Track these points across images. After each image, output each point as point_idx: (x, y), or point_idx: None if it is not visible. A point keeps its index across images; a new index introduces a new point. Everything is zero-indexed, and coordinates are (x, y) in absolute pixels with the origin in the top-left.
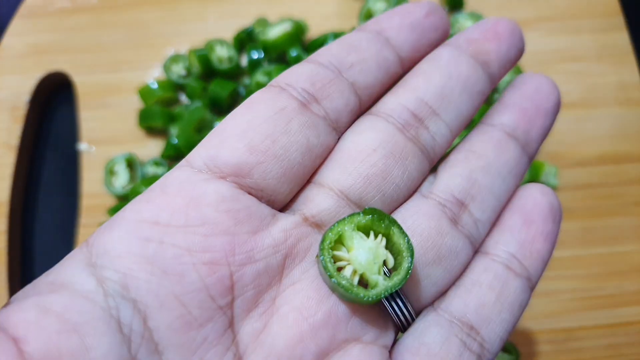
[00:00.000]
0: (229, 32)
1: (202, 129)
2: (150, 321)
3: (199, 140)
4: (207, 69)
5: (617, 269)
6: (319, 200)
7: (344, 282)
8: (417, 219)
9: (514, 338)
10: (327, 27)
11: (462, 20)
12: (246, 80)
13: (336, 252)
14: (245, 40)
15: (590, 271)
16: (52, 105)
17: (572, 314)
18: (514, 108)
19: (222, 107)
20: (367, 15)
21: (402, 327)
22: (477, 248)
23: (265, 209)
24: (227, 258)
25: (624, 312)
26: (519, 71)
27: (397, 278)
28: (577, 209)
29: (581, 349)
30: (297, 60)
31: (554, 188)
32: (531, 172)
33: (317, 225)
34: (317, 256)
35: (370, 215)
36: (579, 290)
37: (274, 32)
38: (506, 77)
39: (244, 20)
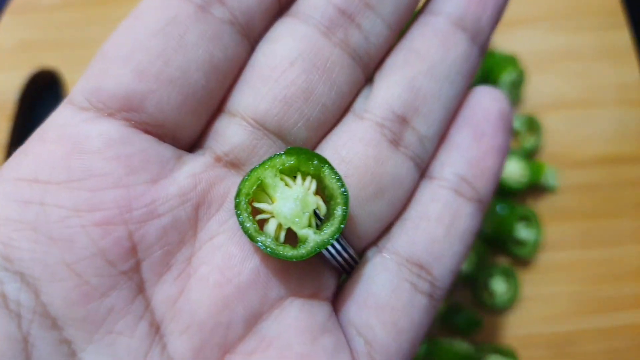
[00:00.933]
0: None
1: None
2: (42, 295)
3: None
4: None
5: (616, 271)
6: (230, 134)
7: (267, 243)
8: (352, 148)
9: (512, 342)
10: None
11: None
12: None
13: (257, 204)
14: None
15: (589, 274)
16: (42, 102)
17: (571, 317)
18: None
19: None
20: None
21: (345, 271)
22: (423, 169)
23: (167, 150)
24: (123, 215)
25: (623, 316)
26: (519, 70)
27: (330, 230)
28: (576, 210)
29: (580, 353)
30: None
31: (554, 189)
32: (532, 173)
33: (232, 164)
34: (235, 208)
35: (294, 156)
36: (578, 293)
37: None
38: (507, 78)
39: None
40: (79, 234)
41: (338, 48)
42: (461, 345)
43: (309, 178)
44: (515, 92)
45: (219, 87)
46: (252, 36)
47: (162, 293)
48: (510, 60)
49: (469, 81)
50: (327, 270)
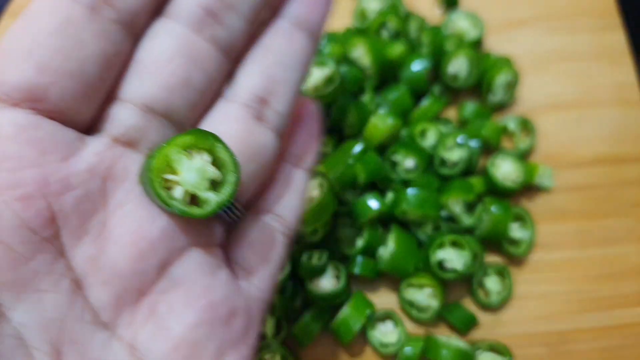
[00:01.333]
0: None
1: None
2: None
3: None
4: None
5: (613, 270)
6: (124, 118)
7: (180, 206)
8: (228, 125)
9: (508, 340)
10: None
11: (458, 19)
12: None
13: (165, 176)
14: None
15: (586, 273)
16: None
17: (567, 316)
18: None
19: None
20: (361, 14)
21: (234, 222)
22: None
23: (72, 134)
24: (41, 190)
25: (620, 314)
26: (514, 72)
27: (227, 192)
28: (573, 210)
29: (576, 351)
30: None
31: (549, 189)
32: (526, 174)
33: (128, 144)
34: (140, 180)
35: (193, 135)
36: (574, 292)
37: None
38: (502, 78)
39: None
40: (3, 209)
41: (208, 43)
42: (457, 342)
43: (205, 152)
44: (509, 93)
45: (110, 78)
46: (135, 33)
47: (81, 254)
48: (505, 62)
49: (308, 67)
50: (218, 223)
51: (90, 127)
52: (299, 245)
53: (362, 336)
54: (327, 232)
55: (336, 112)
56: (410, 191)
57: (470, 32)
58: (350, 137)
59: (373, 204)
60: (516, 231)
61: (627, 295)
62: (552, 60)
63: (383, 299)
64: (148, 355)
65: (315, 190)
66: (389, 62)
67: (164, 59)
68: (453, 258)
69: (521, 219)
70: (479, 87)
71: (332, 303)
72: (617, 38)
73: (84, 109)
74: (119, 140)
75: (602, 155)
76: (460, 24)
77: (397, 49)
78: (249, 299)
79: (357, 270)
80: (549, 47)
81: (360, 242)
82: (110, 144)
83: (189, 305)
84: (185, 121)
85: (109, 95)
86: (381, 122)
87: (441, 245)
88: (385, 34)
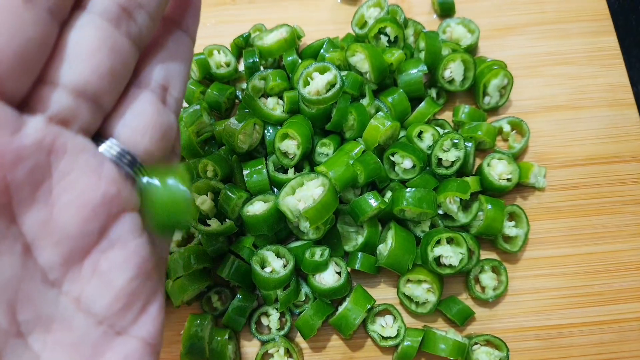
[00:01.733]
0: (226, 38)
1: (200, 132)
2: None
3: (198, 143)
4: (205, 73)
5: (605, 267)
6: (57, 99)
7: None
8: (142, 106)
9: (503, 334)
10: (321, 33)
11: (453, 25)
12: (243, 84)
13: None
14: (242, 45)
15: (579, 269)
16: None
17: (561, 311)
18: None
19: (220, 111)
20: (360, 22)
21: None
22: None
23: (13, 112)
24: None
25: (612, 309)
26: (509, 75)
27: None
28: (565, 208)
29: (570, 345)
30: (293, 65)
31: (542, 188)
32: (520, 173)
33: (62, 123)
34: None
35: None
36: (568, 287)
37: (270, 39)
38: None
39: (241, 26)
40: None
41: (124, 37)
42: (454, 336)
43: None
44: (503, 96)
45: (42, 62)
46: (61, 22)
47: (32, 220)
48: (499, 66)
49: (191, 61)
50: (136, 191)
51: (21, 107)
52: (302, 242)
53: (363, 329)
54: (329, 230)
55: (337, 115)
56: (409, 190)
57: (466, 38)
58: (350, 139)
59: (372, 202)
60: (511, 228)
61: (619, 290)
62: (544, 64)
63: (382, 293)
64: (93, 307)
65: (317, 189)
66: (387, 67)
67: (91, 49)
68: (450, 254)
69: (516, 216)
70: (474, 90)
71: (334, 297)
72: (609, 41)
73: (20, 90)
74: (53, 119)
75: (594, 155)
76: (456, 30)
77: (395, 55)
78: (159, 258)
79: (357, 266)
80: (541, 51)
81: (360, 239)
82: (47, 122)
83: (127, 262)
84: (108, 105)
85: (40, 79)
86: (380, 125)
87: (438, 242)
88: (383, 39)
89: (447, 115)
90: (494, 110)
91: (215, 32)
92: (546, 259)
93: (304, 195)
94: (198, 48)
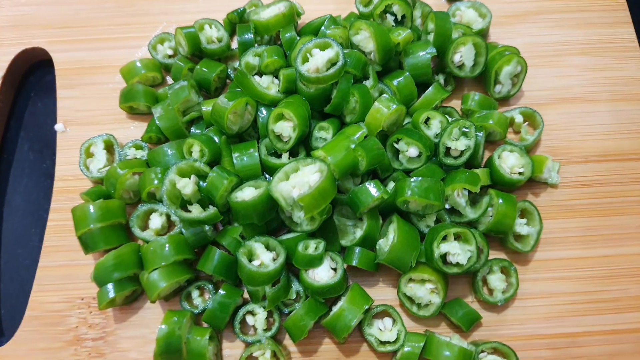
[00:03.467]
0: (220, 13)
1: (187, 111)
2: None
3: (184, 123)
4: (195, 48)
5: (622, 271)
6: None
7: None
8: None
9: (512, 342)
10: (322, 12)
11: (464, 9)
12: (236, 63)
13: None
14: (236, 21)
15: (593, 273)
16: (30, 82)
17: (574, 318)
18: None
19: (209, 90)
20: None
21: None
22: None
23: None
24: None
25: (630, 318)
26: (523, 62)
27: None
28: (579, 207)
29: (584, 356)
30: (291, 42)
31: (556, 185)
32: (533, 167)
33: None
34: None
35: None
36: (581, 293)
37: (267, 13)
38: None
39: (236, 1)
40: None
41: None
42: (459, 343)
43: None
44: (516, 84)
45: None
46: None
47: None
48: (512, 53)
49: None
50: None
51: None
52: (294, 234)
53: (358, 332)
54: (325, 222)
55: (338, 96)
56: (414, 179)
57: (477, 23)
58: (351, 123)
59: (374, 191)
60: (522, 226)
61: (636, 297)
62: (558, 54)
63: (381, 294)
64: None
65: (314, 175)
66: (393, 48)
67: None
68: (457, 251)
69: (527, 213)
70: (484, 78)
71: (328, 296)
72: (626, 33)
73: None
74: None
75: (610, 151)
76: (466, 13)
77: (402, 34)
78: None
79: (355, 262)
80: (554, 40)
81: (359, 233)
82: None
83: None
84: None
85: None
86: (385, 107)
87: (445, 238)
88: (390, 18)
89: (455, 105)
90: (504, 101)
91: (207, 7)
92: (558, 260)
93: (299, 182)
94: (189, 22)
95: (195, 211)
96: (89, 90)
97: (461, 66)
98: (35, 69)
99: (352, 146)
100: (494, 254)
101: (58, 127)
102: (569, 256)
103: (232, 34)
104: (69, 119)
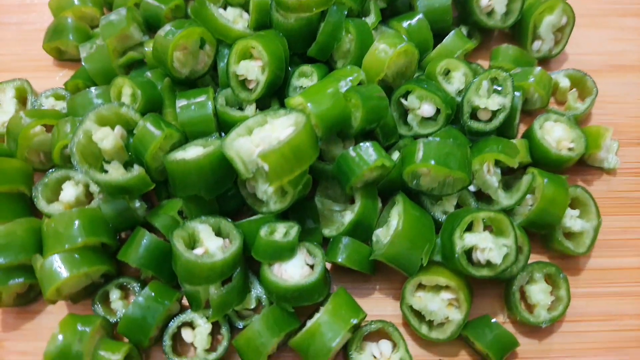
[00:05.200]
0: None
1: (126, 51)
2: None
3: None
4: None
5: None
6: None
7: None
8: None
9: None
10: None
11: None
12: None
13: None
14: None
15: None
16: None
17: None
18: None
19: (157, 26)
20: None
21: None
22: None
23: None
24: None
25: None
26: (570, 11)
27: None
28: None
29: None
30: None
31: (614, 170)
32: (586, 142)
33: None
34: None
35: None
36: None
37: None
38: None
39: None
40: None
41: None
42: None
43: None
44: (560, 42)
45: None
46: None
47: None
48: (555, 0)
49: None
50: None
51: None
52: (258, 217)
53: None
54: (302, 203)
55: (325, 31)
56: (429, 140)
57: None
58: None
59: (371, 154)
60: (574, 220)
61: None
62: (610, 14)
63: (378, 306)
64: None
65: (287, 129)
66: None
67: None
68: (489, 245)
69: (580, 203)
70: (520, 31)
71: (301, 303)
72: None
73: None
74: None
75: None
76: None
77: None
78: None
79: (341, 258)
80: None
81: (349, 218)
82: None
83: None
84: None
85: None
86: (389, 45)
87: (471, 228)
88: None
89: (483, 64)
90: (545, 63)
91: None
92: (621, 271)
93: (266, 137)
94: None
95: (115, 172)
96: (9, 30)
97: (490, 13)
98: None
99: (343, 90)
100: (534, 258)
101: None
102: (634, 264)
103: None
104: None
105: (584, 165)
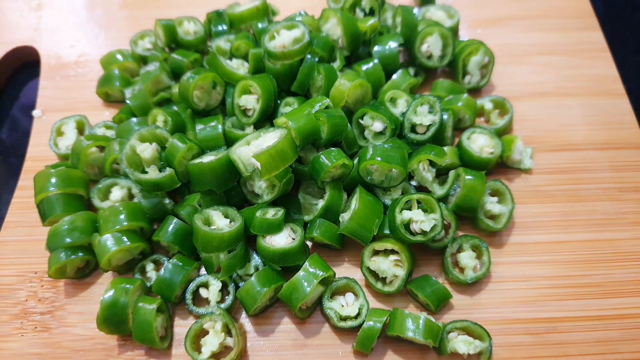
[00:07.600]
0: (201, 16)
1: (158, 92)
2: None
3: (154, 103)
4: (171, 40)
5: (604, 256)
6: None
7: None
8: None
9: (487, 326)
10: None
11: (433, 10)
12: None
13: None
14: (215, 20)
15: (573, 257)
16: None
17: (554, 302)
18: None
19: (181, 73)
20: None
21: None
22: None
23: None
24: None
25: (615, 303)
26: (490, 53)
27: None
28: (557, 192)
29: (566, 342)
30: (263, 32)
31: (530, 171)
32: (503, 146)
33: None
34: None
35: None
36: (561, 277)
37: (242, 8)
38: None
39: (219, 5)
40: None
41: None
42: (427, 316)
43: None
44: (485, 76)
45: None
46: None
47: None
48: (479, 45)
49: None
50: None
51: None
52: (255, 205)
53: (319, 314)
54: (289, 199)
55: (303, 72)
56: (377, 144)
57: (446, 22)
58: None
59: (334, 155)
60: (494, 204)
61: (622, 282)
62: (530, 54)
63: (346, 273)
64: None
65: (274, 138)
66: (360, 35)
67: None
68: (421, 218)
69: (499, 193)
70: (454, 69)
71: (285, 264)
72: (596, 36)
73: None
74: None
75: (586, 141)
76: (436, 14)
77: (369, 22)
78: None
79: (316, 233)
80: (525, 42)
81: (321, 204)
82: None
83: None
84: None
85: None
86: (347, 80)
87: (408, 207)
88: (359, 13)
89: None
90: (476, 93)
91: (188, 10)
92: (536, 244)
93: (259, 145)
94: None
95: (152, 173)
96: (69, 81)
97: (429, 56)
98: (25, 63)
99: (314, 111)
100: (464, 232)
101: (35, 112)
102: (546, 240)
103: (209, 33)
104: (47, 106)
105: (507, 168)
